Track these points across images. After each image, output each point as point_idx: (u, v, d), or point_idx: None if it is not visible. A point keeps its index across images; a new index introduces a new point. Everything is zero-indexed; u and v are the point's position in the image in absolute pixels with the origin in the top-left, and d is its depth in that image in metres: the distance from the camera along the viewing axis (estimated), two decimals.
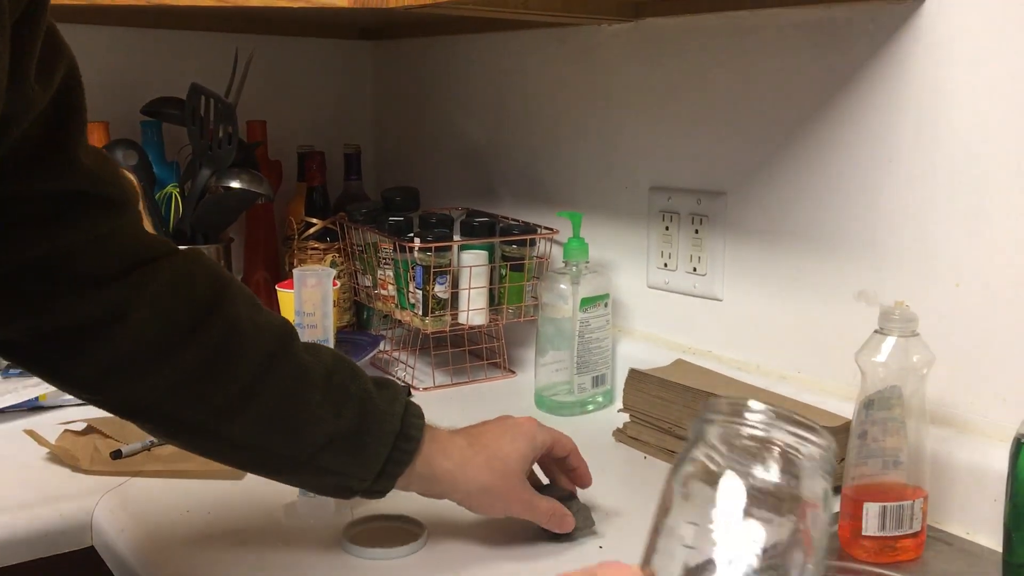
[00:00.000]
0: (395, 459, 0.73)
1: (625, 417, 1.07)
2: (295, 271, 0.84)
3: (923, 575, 0.76)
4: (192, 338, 0.67)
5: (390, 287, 1.30)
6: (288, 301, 1.18)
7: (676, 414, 1.00)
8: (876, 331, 0.78)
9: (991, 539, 0.80)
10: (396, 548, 0.78)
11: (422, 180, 1.53)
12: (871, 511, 0.78)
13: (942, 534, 0.83)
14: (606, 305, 1.17)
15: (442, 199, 1.49)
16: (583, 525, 0.83)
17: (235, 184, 1.23)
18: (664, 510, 0.43)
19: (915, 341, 0.77)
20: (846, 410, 0.87)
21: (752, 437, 0.41)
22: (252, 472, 0.76)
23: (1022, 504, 0.70)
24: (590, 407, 1.17)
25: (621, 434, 1.07)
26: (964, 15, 0.82)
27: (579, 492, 0.85)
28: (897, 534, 0.78)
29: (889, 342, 0.77)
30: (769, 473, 0.40)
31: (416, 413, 0.76)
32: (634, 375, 1.06)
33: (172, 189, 1.30)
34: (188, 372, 0.67)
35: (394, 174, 1.65)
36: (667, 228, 1.15)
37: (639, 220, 1.19)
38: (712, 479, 0.41)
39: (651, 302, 1.20)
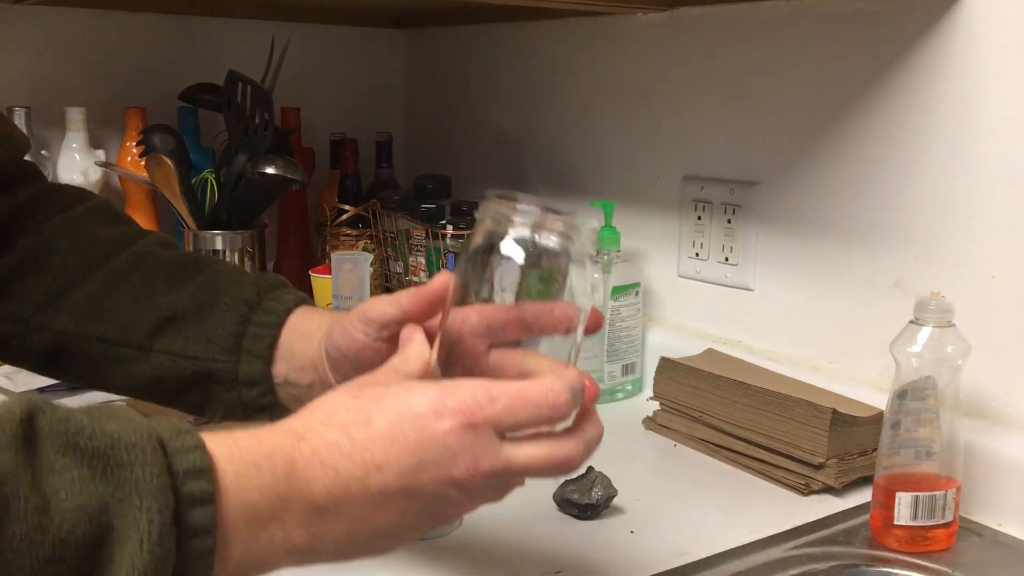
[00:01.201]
0: (251, 333, 0.65)
1: (655, 405, 1.08)
2: (333, 255, 0.86)
3: (954, 566, 0.76)
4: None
5: (422, 274, 1.31)
6: (321, 286, 1.20)
7: (706, 403, 1.01)
8: (911, 321, 0.78)
9: (1023, 531, 0.80)
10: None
11: (454, 168, 1.54)
12: (903, 500, 0.78)
13: (974, 525, 0.83)
14: (637, 294, 1.17)
15: (474, 187, 1.50)
16: (605, 493, 0.82)
17: (271, 170, 1.24)
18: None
19: (950, 332, 0.77)
20: (878, 400, 0.87)
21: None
22: (115, 385, 0.69)
23: None
24: (620, 395, 1.18)
25: (651, 422, 1.07)
26: (1004, 5, 0.82)
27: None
28: (929, 524, 0.78)
29: (924, 332, 0.77)
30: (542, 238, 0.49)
31: (279, 284, 0.68)
32: (665, 363, 1.07)
33: (208, 175, 1.32)
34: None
35: (426, 162, 1.66)
36: (699, 217, 1.15)
37: (671, 209, 1.19)
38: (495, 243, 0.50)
39: (682, 291, 1.20)
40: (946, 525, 0.79)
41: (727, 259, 1.12)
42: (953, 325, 0.77)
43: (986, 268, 0.85)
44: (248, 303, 0.66)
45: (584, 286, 0.51)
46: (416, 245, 1.32)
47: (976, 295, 0.86)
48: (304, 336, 0.65)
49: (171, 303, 0.67)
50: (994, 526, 0.83)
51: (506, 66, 1.46)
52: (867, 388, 0.94)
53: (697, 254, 1.16)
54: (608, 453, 1.00)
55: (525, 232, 0.50)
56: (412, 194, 1.38)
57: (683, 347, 1.13)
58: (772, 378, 1.00)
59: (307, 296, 0.69)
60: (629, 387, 1.19)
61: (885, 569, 0.76)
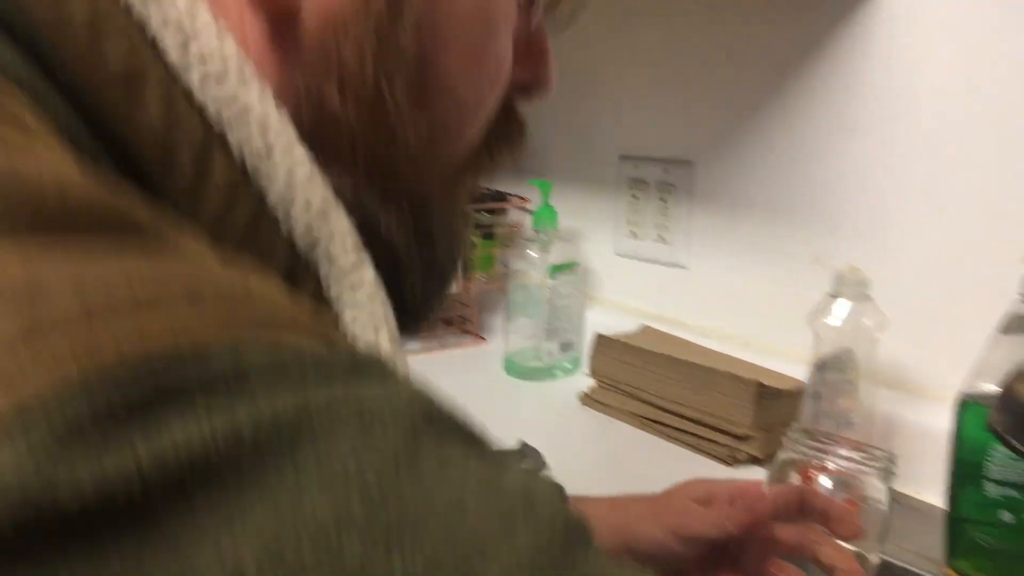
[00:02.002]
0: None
1: (592, 382, 1.09)
2: None
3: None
4: None
5: None
6: None
7: (640, 378, 1.02)
8: (829, 295, 0.80)
9: (939, 497, 0.82)
10: None
11: None
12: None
13: (893, 493, 0.85)
14: (575, 273, 1.19)
15: None
16: (535, 467, 0.84)
17: None
18: None
19: (868, 305, 0.80)
20: (804, 373, 0.90)
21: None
22: None
23: (964, 462, 0.73)
24: (558, 373, 1.19)
25: (588, 398, 1.09)
26: None
27: None
28: (847, 496, 0.80)
29: (841, 305, 0.79)
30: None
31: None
32: (600, 341, 1.08)
33: None
34: None
35: None
36: (635, 197, 1.16)
37: (608, 189, 1.20)
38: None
39: (619, 270, 1.21)
40: (863, 492, 0.81)
41: (662, 238, 1.14)
42: (870, 298, 0.79)
43: (905, 243, 0.88)
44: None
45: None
46: None
47: (895, 269, 0.88)
48: (599, 523, 0.64)
49: None
50: (913, 494, 0.85)
51: None
52: (794, 361, 0.96)
53: (633, 233, 1.18)
54: (544, 429, 1.03)
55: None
56: None
57: (621, 325, 1.14)
58: (703, 353, 1.02)
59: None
60: (568, 365, 1.20)
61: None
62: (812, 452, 0.62)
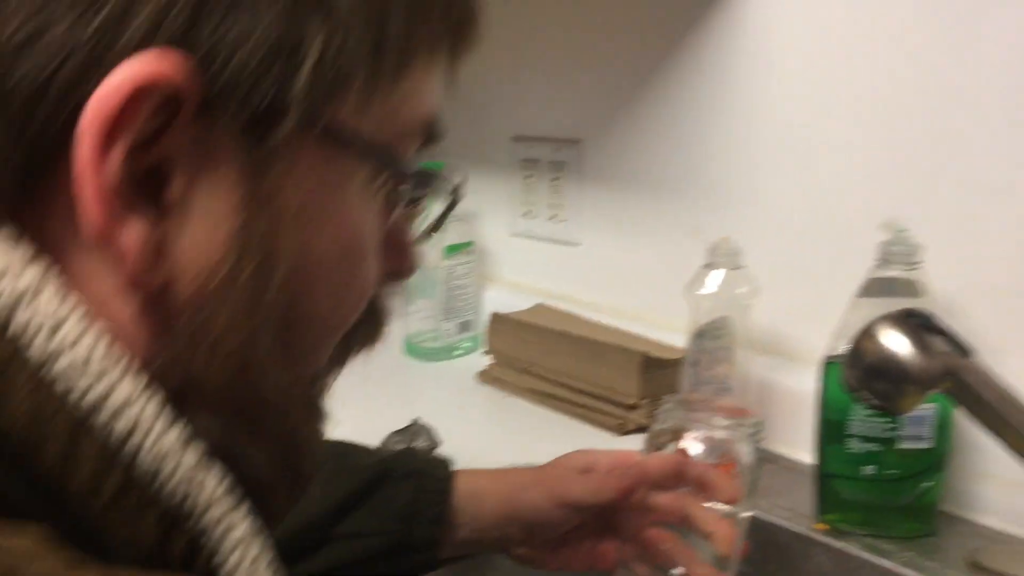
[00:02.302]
0: (424, 499, 0.65)
1: (490, 360, 1.11)
2: None
3: (750, 492, 0.82)
4: None
5: None
6: None
7: (533, 354, 1.04)
8: (704, 266, 0.83)
9: (809, 455, 0.86)
10: None
11: None
12: None
13: (767, 453, 0.89)
14: (471, 253, 1.20)
15: None
16: (428, 444, 0.85)
17: None
18: None
19: (740, 274, 0.83)
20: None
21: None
22: None
23: (830, 420, 0.76)
24: (458, 352, 1.21)
25: (485, 375, 1.10)
26: None
27: None
28: (724, 456, 0.84)
29: (715, 275, 0.82)
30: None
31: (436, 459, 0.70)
32: (495, 319, 1.10)
33: None
34: None
35: None
36: (528, 176, 1.18)
37: (502, 168, 1.22)
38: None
39: (515, 249, 1.23)
40: None
41: (555, 216, 1.16)
42: (741, 267, 0.83)
43: (777, 215, 0.91)
44: (412, 474, 0.66)
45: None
46: None
47: (768, 239, 0.91)
48: (476, 498, 0.66)
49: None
50: (787, 453, 0.89)
51: None
52: (679, 332, 0.99)
53: (527, 212, 1.19)
54: (442, 407, 1.04)
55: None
56: None
57: (517, 303, 1.16)
58: (593, 328, 1.05)
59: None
60: (467, 344, 1.22)
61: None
62: (683, 420, 0.64)
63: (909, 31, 0.80)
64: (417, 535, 0.65)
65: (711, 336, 0.84)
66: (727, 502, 0.62)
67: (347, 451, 0.69)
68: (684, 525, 0.63)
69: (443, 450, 0.87)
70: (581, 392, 0.98)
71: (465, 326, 1.21)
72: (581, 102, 1.11)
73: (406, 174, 0.37)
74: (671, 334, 1.00)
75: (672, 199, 1.02)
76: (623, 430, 0.94)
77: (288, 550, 0.63)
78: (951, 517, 0.78)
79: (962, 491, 0.78)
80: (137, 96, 0.29)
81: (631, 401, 0.94)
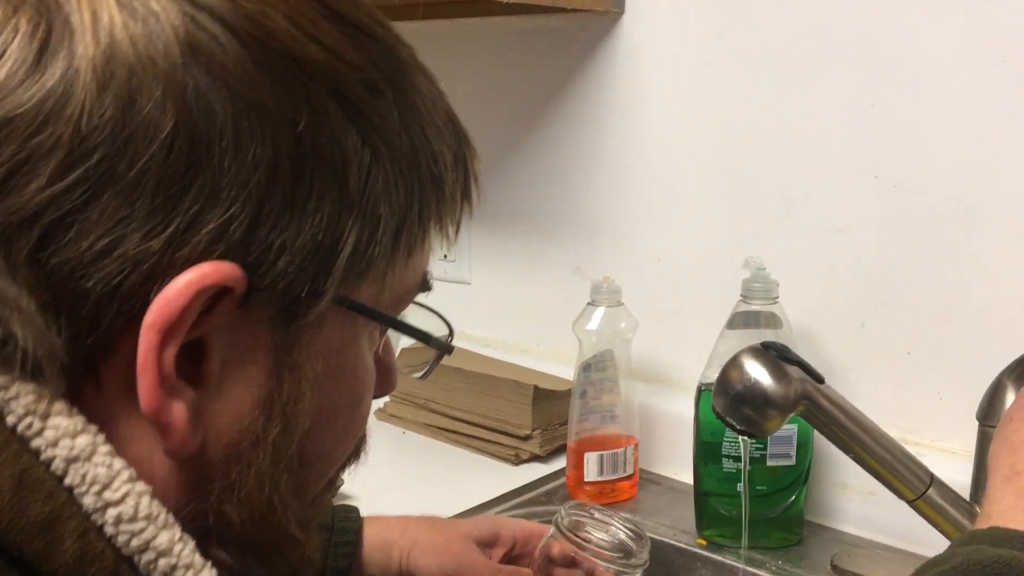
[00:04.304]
0: (341, 507, 0.70)
1: (387, 397, 1.14)
2: None
3: (636, 512, 0.88)
4: None
5: None
6: None
7: (430, 390, 1.08)
8: (588, 303, 0.89)
9: (691, 476, 0.93)
10: None
11: None
12: (591, 460, 0.89)
13: (652, 475, 0.96)
14: None
15: None
16: None
17: None
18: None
19: (621, 310, 0.89)
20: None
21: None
22: None
23: (705, 442, 0.83)
24: None
25: (382, 413, 1.14)
26: (657, 25, 0.95)
27: None
28: (613, 478, 0.90)
29: (599, 312, 0.89)
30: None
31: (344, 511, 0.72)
32: None
33: None
34: None
35: None
36: None
37: None
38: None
39: None
40: (628, 477, 0.91)
41: (446, 256, 1.21)
42: (622, 304, 0.89)
43: (652, 253, 0.98)
44: (325, 527, 0.69)
45: None
46: None
47: (645, 276, 0.99)
48: (383, 551, 0.69)
49: None
50: (670, 475, 0.96)
51: None
52: (567, 364, 1.05)
53: None
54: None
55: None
56: None
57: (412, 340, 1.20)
58: (486, 362, 1.09)
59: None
60: None
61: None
62: (583, 522, 0.66)
63: (761, 87, 0.89)
64: (339, 526, 0.69)
65: (596, 368, 0.90)
66: None
67: None
68: None
69: (345, 487, 0.90)
70: (476, 425, 1.03)
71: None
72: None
73: (408, 325, 0.41)
74: (559, 365, 1.06)
75: (557, 239, 1.08)
76: (518, 460, 0.99)
77: None
78: (815, 526, 0.86)
79: (824, 502, 0.86)
80: (195, 300, 0.32)
81: (524, 432, 0.99)
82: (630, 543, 0.65)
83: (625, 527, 0.66)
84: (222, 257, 0.33)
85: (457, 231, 0.42)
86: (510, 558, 0.70)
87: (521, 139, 1.10)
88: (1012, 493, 0.49)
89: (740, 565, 0.79)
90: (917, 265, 0.81)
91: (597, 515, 0.67)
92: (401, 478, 0.97)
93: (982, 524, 0.49)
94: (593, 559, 0.64)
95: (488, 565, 0.67)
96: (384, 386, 0.45)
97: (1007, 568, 0.43)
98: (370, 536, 0.70)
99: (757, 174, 0.90)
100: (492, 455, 1.01)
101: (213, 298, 0.33)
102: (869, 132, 0.83)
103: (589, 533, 0.66)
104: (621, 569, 0.64)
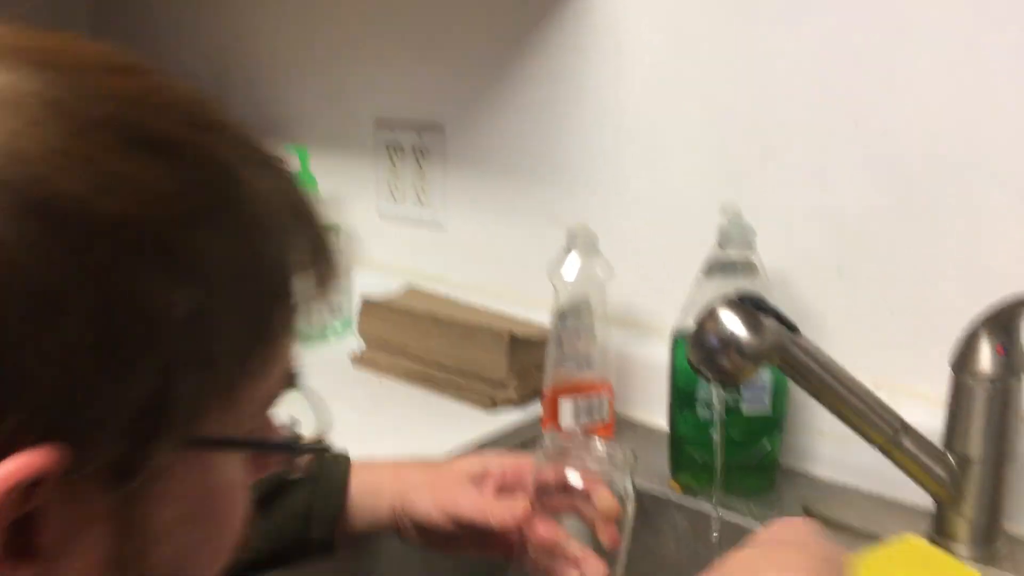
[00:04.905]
0: (319, 504, 0.68)
1: (362, 343, 1.14)
2: None
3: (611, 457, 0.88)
4: None
5: None
6: None
7: (405, 337, 1.07)
8: (564, 249, 0.88)
9: (666, 422, 0.93)
10: None
11: None
12: (566, 406, 0.89)
13: (627, 421, 0.96)
14: (338, 237, 1.21)
15: None
16: None
17: None
18: None
19: (597, 257, 0.88)
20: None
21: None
22: None
23: (680, 389, 0.83)
24: (330, 336, 1.22)
25: (358, 359, 1.13)
26: None
27: None
28: (589, 424, 0.90)
29: (574, 259, 0.88)
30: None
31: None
32: (366, 303, 1.12)
33: None
34: None
35: None
36: (392, 161, 1.20)
37: (366, 153, 1.23)
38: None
39: (383, 232, 1.25)
40: (604, 423, 0.91)
41: (420, 200, 1.19)
42: (599, 251, 0.88)
43: (628, 198, 0.97)
44: (311, 478, 0.68)
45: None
46: None
47: (621, 223, 0.97)
48: (373, 494, 0.69)
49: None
50: (644, 420, 0.96)
51: (196, 9, 1.43)
52: (542, 311, 1.05)
53: (393, 196, 1.22)
54: (320, 391, 1.06)
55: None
56: None
57: (387, 286, 1.19)
58: (462, 309, 1.09)
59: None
60: (339, 327, 1.23)
61: None
62: (563, 451, 0.67)
63: (740, 32, 0.87)
64: (313, 535, 0.68)
65: (572, 315, 0.89)
66: (608, 516, 0.65)
67: None
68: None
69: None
70: (452, 371, 1.03)
71: (336, 309, 1.23)
72: (442, 88, 1.13)
73: (269, 443, 0.39)
74: (535, 311, 1.06)
75: (532, 184, 1.06)
76: (494, 406, 0.99)
77: None
78: (789, 471, 0.87)
79: (798, 447, 0.87)
80: (12, 491, 0.30)
81: (500, 378, 0.98)
82: (614, 453, 0.66)
83: (605, 443, 0.67)
84: (38, 442, 0.30)
85: (326, 302, 0.40)
86: (501, 491, 0.70)
87: (497, 84, 1.07)
88: None
89: (713, 510, 0.79)
90: (895, 212, 0.81)
91: (578, 438, 0.69)
92: (376, 424, 0.97)
93: None
94: (583, 474, 0.65)
95: (483, 500, 0.67)
96: (264, 469, 0.41)
97: None
98: (358, 482, 0.69)
99: (735, 120, 0.89)
100: (468, 401, 1.01)
101: (34, 482, 0.31)
102: (849, 78, 0.81)
103: (573, 452, 0.67)
104: (611, 471, 0.65)
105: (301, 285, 0.37)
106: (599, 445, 0.68)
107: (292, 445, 0.40)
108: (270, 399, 0.38)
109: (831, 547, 0.52)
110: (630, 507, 0.65)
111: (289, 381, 0.39)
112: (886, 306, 0.82)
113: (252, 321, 0.35)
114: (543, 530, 0.65)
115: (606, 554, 0.64)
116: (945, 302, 0.78)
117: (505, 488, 0.69)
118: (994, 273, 0.76)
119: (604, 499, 0.65)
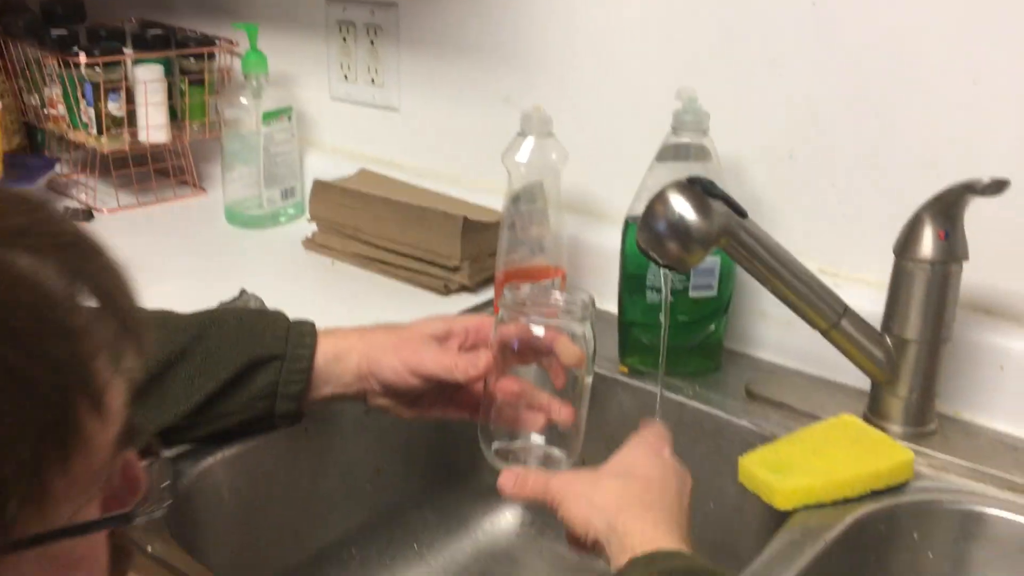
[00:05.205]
0: (295, 323, 0.70)
1: (315, 227, 1.13)
2: None
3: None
4: None
5: (60, 106, 1.23)
6: None
7: (358, 220, 1.07)
8: (518, 133, 0.87)
9: (616, 305, 0.95)
10: None
11: None
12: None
13: (593, 329, 0.97)
14: (289, 118, 1.19)
15: (112, 10, 1.39)
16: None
17: None
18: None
19: (551, 141, 0.87)
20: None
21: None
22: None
23: (630, 274, 0.84)
24: (282, 219, 1.21)
25: (310, 242, 1.12)
26: None
27: None
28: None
29: (528, 142, 0.87)
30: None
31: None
32: (318, 186, 1.11)
33: None
34: None
35: None
36: (344, 39, 1.17)
37: (318, 31, 1.19)
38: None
39: (335, 114, 1.23)
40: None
41: (373, 80, 1.16)
42: (553, 135, 0.87)
43: (585, 81, 0.96)
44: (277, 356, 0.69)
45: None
46: (50, 75, 1.22)
47: (576, 106, 0.96)
48: (339, 360, 0.70)
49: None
50: (597, 305, 0.97)
51: None
52: (497, 195, 1.04)
53: (346, 76, 1.19)
54: (269, 275, 1.06)
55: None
56: (40, 19, 1.27)
57: (340, 169, 1.17)
58: (416, 193, 1.08)
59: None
60: (291, 210, 1.22)
61: None
62: (523, 304, 0.69)
63: None
64: (279, 411, 0.70)
65: (526, 200, 0.89)
66: (572, 365, 0.68)
67: (215, 320, 0.71)
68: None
69: None
70: (406, 256, 1.02)
71: (288, 193, 1.21)
72: None
73: (102, 521, 0.36)
74: (489, 196, 1.05)
75: (486, 67, 1.04)
76: (447, 291, 0.99)
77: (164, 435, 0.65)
78: (733, 353, 0.89)
79: (743, 330, 0.89)
80: None
81: (453, 263, 0.98)
82: (573, 300, 0.69)
83: (563, 292, 0.70)
84: None
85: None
86: (465, 349, 0.72)
87: None
88: (651, 524, 0.54)
89: (658, 390, 0.81)
90: (848, 99, 0.81)
91: (536, 289, 0.71)
92: (329, 307, 0.97)
93: (626, 558, 0.53)
94: (544, 320, 0.67)
95: (448, 356, 0.69)
96: (131, 497, 0.39)
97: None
98: (324, 351, 0.70)
99: (694, 3, 0.87)
100: (421, 285, 1.01)
101: None
102: None
103: (532, 304, 0.69)
104: (571, 321, 0.67)
105: (103, 361, 0.34)
106: (557, 294, 0.70)
107: (124, 516, 0.37)
108: (105, 464, 0.35)
109: (671, 477, 0.59)
110: (590, 351, 0.68)
111: (128, 440, 0.37)
112: (835, 193, 0.83)
113: (41, 434, 0.32)
114: (508, 382, 0.67)
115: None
116: (894, 190, 0.79)
117: (469, 346, 0.71)
118: (942, 160, 0.77)
119: (566, 348, 0.67)
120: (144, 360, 0.37)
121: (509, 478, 0.62)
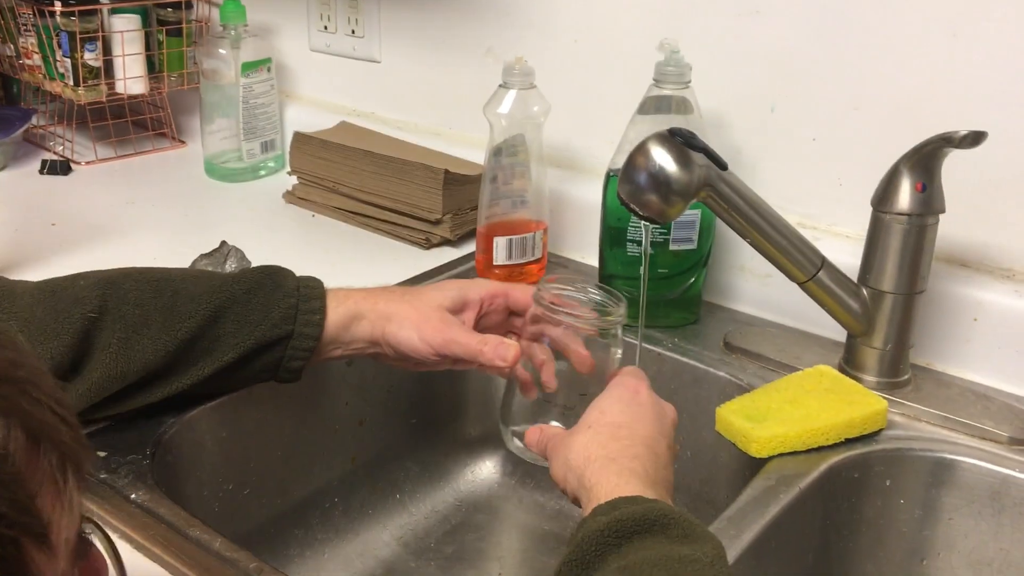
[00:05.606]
0: (304, 295, 0.68)
1: (295, 180, 1.12)
2: None
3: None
4: None
5: (35, 56, 1.21)
6: None
7: (339, 173, 1.06)
8: (500, 85, 0.87)
9: (597, 260, 0.95)
10: None
11: None
12: (500, 244, 0.90)
13: (560, 259, 0.98)
14: (269, 70, 1.17)
15: None
16: (239, 265, 0.87)
17: None
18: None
19: (533, 93, 0.87)
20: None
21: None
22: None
23: (611, 227, 0.85)
24: (262, 172, 1.20)
25: (291, 195, 1.12)
26: None
27: None
28: (522, 262, 0.91)
29: (510, 95, 0.86)
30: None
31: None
32: (299, 138, 1.10)
33: None
34: None
35: None
36: None
37: None
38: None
39: (315, 66, 1.22)
40: (536, 261, 0.92)
41: (353, 31, 1.15)
42: (535, 87, 0.87)
43: (567, 33, 0.95)
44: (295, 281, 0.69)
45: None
46: (25, 24, 1.20)
47: (559, 58, 0.96)
48: (348, 327, 0.69)
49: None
50: (578, 259, 0.98)
51: None
52: (478, 149, 1.04)
53: (326, 27, 1.17)
54: (249, 228, 1.05)
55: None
56: None
57: (320, 122, 1.16)
58: (397, 146, 1.07)
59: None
60: (271, 163, 1.21)
61: None
62: (555, 305, 0.67)
63: None
64: (279, 379, 0.70)
65: (507, 153, 0.89)
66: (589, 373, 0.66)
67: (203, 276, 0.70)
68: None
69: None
70: (387, 209, 1.02)
71: (268, 146, 1.20)
72: None
73: None
74: (470, 149, 1.05)
75: (468, 17, 1.03)
76: (428, 244, 0.99)
77: (169, 364, 0.66)
78: (712, 306, 0.90)
79: (722, 283, 0.90)
80: None
81: (435, 216, 0.98)
82: (608, 301, 0.68)
83: (599, 289, 0.68)
84: None
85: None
86: (480, 317, 0.71)
87: None
88: (614, 474, 0.54)
89: (638, 342, 0.82)
90: (830, 51, 0.81)
91: (575, 285, 0.69)
92: (311, 261, 0.96)
93: (593, 505, 0.53)
94: (575, 322, 0.66)
95: (476, 342, 0.67)
96: None
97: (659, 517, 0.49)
98: (333, 320, 0.69)
99: None
100: (403, 239, 1.01)
101: None
102: None
103: (567, 299, 0.68)
104: (602, 325, 0.66)
105: (45, 498, 0.33)
106: (593, 291, 0.68)
107: None
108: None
109: (646, 419, 0.59)
110: (618, 354, 0.67)
111: (81, 552, 0.37)
112: (816, 147, 0.84)
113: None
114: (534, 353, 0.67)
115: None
116: (874, 144, 0.80)
117: (482, 316, 0.71)
118: (921, 113, 0.77)
119: (580, 358, 0.66)
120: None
121: (534, 434, 0.63)
